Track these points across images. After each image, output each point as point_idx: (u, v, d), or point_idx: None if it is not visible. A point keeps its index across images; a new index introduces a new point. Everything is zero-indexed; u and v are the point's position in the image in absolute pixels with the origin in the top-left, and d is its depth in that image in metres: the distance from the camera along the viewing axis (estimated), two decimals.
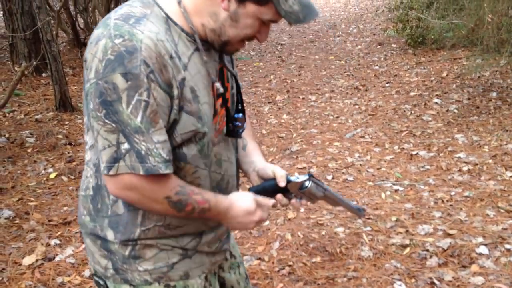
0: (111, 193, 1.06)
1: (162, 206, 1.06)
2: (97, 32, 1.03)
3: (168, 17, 1.06)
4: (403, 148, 3.98)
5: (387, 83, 5.69)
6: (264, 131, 4.66)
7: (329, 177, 3.55)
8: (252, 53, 8.18)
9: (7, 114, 4.97)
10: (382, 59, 6.80)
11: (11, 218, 3.06)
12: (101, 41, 1.00)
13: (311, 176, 1.28)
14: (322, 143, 4.23)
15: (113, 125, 0.99)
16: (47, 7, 5.90)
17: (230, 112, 1.20)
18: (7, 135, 4.43)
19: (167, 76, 1.01)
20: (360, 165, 3.74)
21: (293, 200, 1.27)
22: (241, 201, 1.18)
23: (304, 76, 6.48)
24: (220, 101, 1.17)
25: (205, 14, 1.07)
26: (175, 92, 1.03)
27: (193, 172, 1.13)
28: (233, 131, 1.21)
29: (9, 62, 6.75)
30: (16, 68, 6.21)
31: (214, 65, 1.15)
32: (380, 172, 3.60)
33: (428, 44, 6.70)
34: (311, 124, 4.75)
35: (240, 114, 1.24)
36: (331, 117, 4.88)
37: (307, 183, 1.27)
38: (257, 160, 1.33)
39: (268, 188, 1.28)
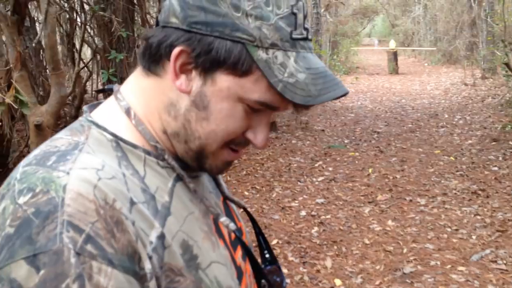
0: None
1: None
2: None
3: (117, 138, 0.63)
4: None
5: None
6: (366, 241, 3.98)
7: None
8: (346, 141, 7.65)
9: None
10: (500, 158, 5.94)
11: None
12: None
13: None
14: (442, 265, 3.45)
15: None
16: None
17: (256, 262, 0.73)
18: None
19: (124, 241, 0.55)
20: None
21: None
22: None
23: (408, 172, 5.77)
24: (239, 251, 0.73)
25: (161, 111, 0.65)
26: (147, 266, 0.56)
27: None
28: None
29: None
30: None
31: (213, 196, 0.74)
32: None
33: None
34: (424, 236, 4.00)
35: (271, 265, 0.79)
36: (449, 230, 4.09)
37: None
38: None
39: None
